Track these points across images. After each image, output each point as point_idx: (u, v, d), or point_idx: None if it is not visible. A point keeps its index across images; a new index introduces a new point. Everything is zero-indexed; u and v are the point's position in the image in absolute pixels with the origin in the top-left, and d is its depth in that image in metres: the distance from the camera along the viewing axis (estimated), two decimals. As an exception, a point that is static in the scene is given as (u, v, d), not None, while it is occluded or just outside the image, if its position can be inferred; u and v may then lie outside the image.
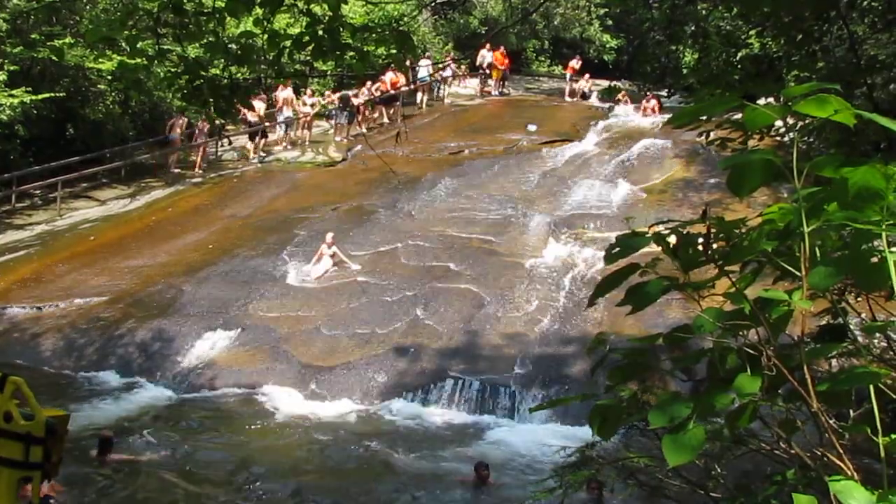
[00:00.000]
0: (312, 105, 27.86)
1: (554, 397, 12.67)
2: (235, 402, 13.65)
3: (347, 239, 18.62)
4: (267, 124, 26.72)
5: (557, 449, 5.62)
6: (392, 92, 29.06)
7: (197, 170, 25.49)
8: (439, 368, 14.05)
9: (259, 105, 25.84)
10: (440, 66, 31.58)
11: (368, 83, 28.70)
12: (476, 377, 13.83)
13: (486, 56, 32.71)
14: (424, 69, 30.97)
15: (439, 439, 12.48)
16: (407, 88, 30.83)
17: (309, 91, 28.55)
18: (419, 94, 31.78)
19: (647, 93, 26.71)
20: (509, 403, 13.42)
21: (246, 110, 24.76)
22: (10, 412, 3.88)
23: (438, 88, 33.11)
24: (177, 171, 25.53)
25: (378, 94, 28.95)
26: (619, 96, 28.79)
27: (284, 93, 26.51)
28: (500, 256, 17.40)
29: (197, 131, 25.60)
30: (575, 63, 34.54)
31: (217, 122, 24.22)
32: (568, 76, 34.58)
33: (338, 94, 28.28)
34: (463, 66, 34.08)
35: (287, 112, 26.99)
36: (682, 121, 2.59)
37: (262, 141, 26.63)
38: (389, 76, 28.84)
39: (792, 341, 2.39)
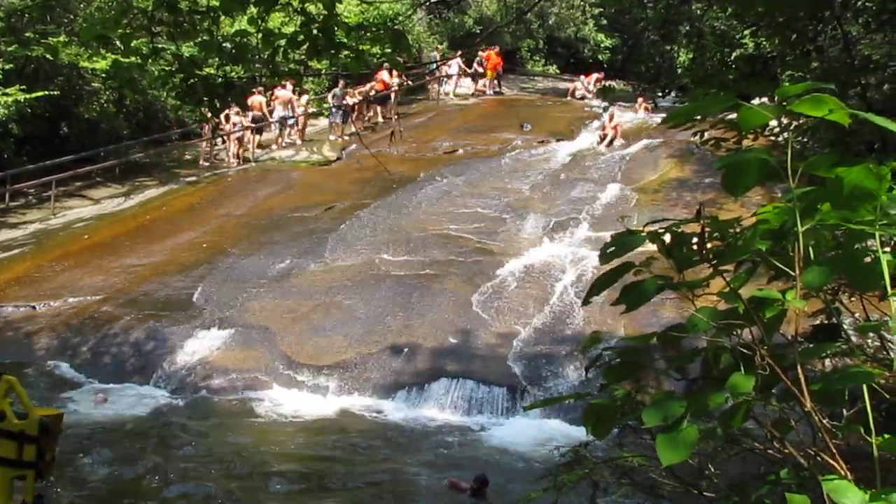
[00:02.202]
0: (302, 105, 27.84)
1: (548, 396, 12.68)
2: (229, 401, 13.63)
3: (342, 239, 18.62)
4: (263, 123, 26.72)
5: (551, 448, 5.62)
6: (386, 91, 29.13)
7: (233, 160, 25.53)
8: (433, 367, 14.05)
9: (260, 99, 25.89)
10: (448, 58, 31.65)
11: (369, 84, 28.74)
12: (470, 376, 13.83)
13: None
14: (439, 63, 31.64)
15: (433, 438, 12.48)
16: (404, 86, 31.05)
17: (307, 90, 28.57)
18: (444, 85, 32.78)
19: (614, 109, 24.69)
20: (503, 402, 13.42)
21: (252, 106, 24.98)
22: (4, 411, 3.87)
23: (444, 83, 33.35)
24: (208, 163, 25.86)
25: (373, 92, 29.01)
26: (641, 102, 28.01)
27: (282, 92, 26.48)
28: (494, 256, 17.40)
29: (233, 124, 25.58)
30: (596, 77, 34.47)
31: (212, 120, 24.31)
32: (583, 80, 34.48)
33: (331, 93, 28.28)
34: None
35: (282, 111, 26.95)
36: (677, 120, 2.60)
37: (257, 138, 26.63)
38: (385, 75, 28.86)
39: (786, 341, 2.40)
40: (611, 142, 24.59)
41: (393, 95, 29.97)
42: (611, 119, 25.11)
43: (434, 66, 31.87)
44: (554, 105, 31.85)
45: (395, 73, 29.05)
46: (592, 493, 4.65)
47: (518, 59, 41.36)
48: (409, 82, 32.36)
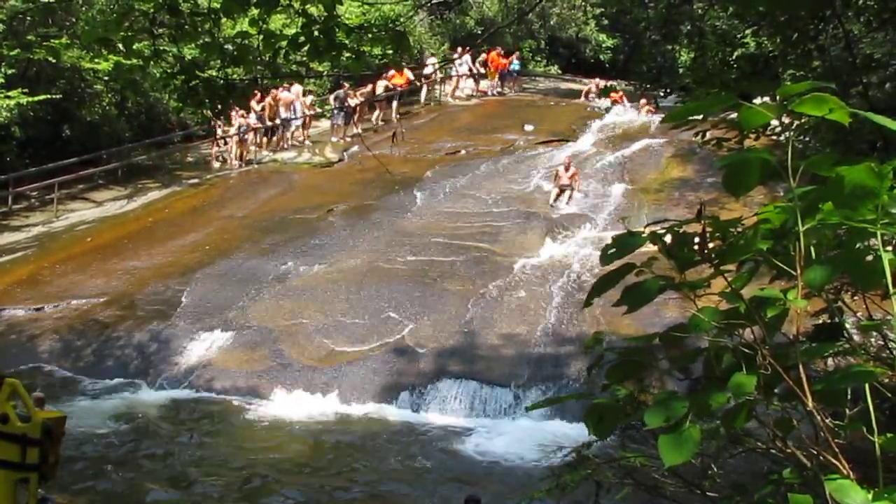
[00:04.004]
0: (308, 105, 27.88)
1: (551, 397, 12.68)
2: (232, 403, 13.64)
3: (343, 240, 18.62)
4: (269, 123, 26.72)
5: (554, 448, 5.62)
6: (389, 91, 29.26)
7: (235, 161, 25.54)
8: (436, 368, 14.05)
9: (270, 101, 25.95)
10: (456, 57, 31.78)
11: (370, 85, 28.81)
12: (473, 377, 13.84)
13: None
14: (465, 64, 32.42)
15: (436, 439, 12.48)
16: (436, 76, 31.44)
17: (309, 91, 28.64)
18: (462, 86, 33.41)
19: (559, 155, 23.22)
20: (506, 403, 13.43)
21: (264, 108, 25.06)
22: (7, 414, 3.87)
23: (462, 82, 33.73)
24: (217, 164, 25.95)
25: (382, 91, 29.15)
26: (644, 104, 27.74)
27: (284, 94, 26.48)
28: (496, 256, 17.40)
29: (239, 124, 25.57)
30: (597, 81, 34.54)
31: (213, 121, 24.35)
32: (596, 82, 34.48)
33: (333, 95, 28.30)
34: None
35: (284, 113, 26.95)
36: (678, 120, 2.59)
37: (264, 140, 26.70)
38: (408, 72, 29.20)
39: (788, 340, 2.39)
40: (569, 197, 20.53)
41: (426, 91, 30.58)
42: (567, 168, 20.86)
43: (450, 62, 31.92)
44: (556, 105, 31.83)
45: (432, 59, 29.73)
46: (595, 493, 4.66)
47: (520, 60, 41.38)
48: (440, 74, 32.71)
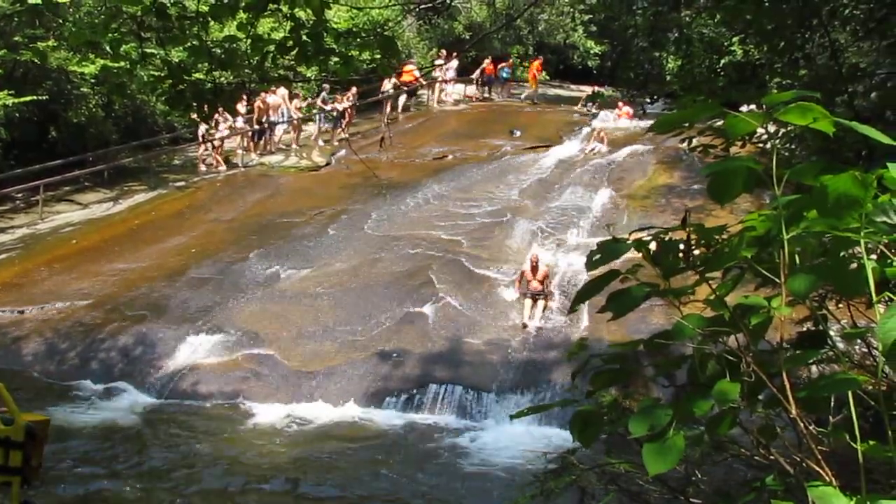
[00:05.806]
0: (300, 107, 27.93)
1: (536, 403, 12.68)
2: (217, 408, 13.60)
3: (330, 244, 18.60)
4: (257, 127, 26.70)
5: (540, 454, 5.62)
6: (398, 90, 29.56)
7: (219, 167, 25.50)
8: (423, 374, 14.03)
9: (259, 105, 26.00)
10: (440, 62, 31.90)
11: (354, 89, 28.88)
12: (459, 382, 13.83)
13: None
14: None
15: (422, 445, 12.46)
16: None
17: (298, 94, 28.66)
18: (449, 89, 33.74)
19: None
20: (491, 409, 13.42)
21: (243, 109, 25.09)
22: (-11, 417, 3.85)
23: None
24: (204, 167, 25.93)
25: (392, 89, 29.41)
26: (621, 107, 27.70)
27: (271, 98, 26.47)
28: (483, 262, 17.40)
29: (221, 126, 25.57)
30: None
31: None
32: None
33: (319, 98, 28.30)
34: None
35: (272, 116, 26.95)
36: (665, 127, 2.60)
37: (252, 143, 26.70)
38: (416, 70, 29.49)
39: (772, 348, 2.40)
40: (544, 308, 15.80)
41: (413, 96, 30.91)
42: (535, 269, 16.02)
43: (436, 67, 32.07)
44: (543, 111, 31.89)
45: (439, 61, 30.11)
46: (580, 500, 4.66)
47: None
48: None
